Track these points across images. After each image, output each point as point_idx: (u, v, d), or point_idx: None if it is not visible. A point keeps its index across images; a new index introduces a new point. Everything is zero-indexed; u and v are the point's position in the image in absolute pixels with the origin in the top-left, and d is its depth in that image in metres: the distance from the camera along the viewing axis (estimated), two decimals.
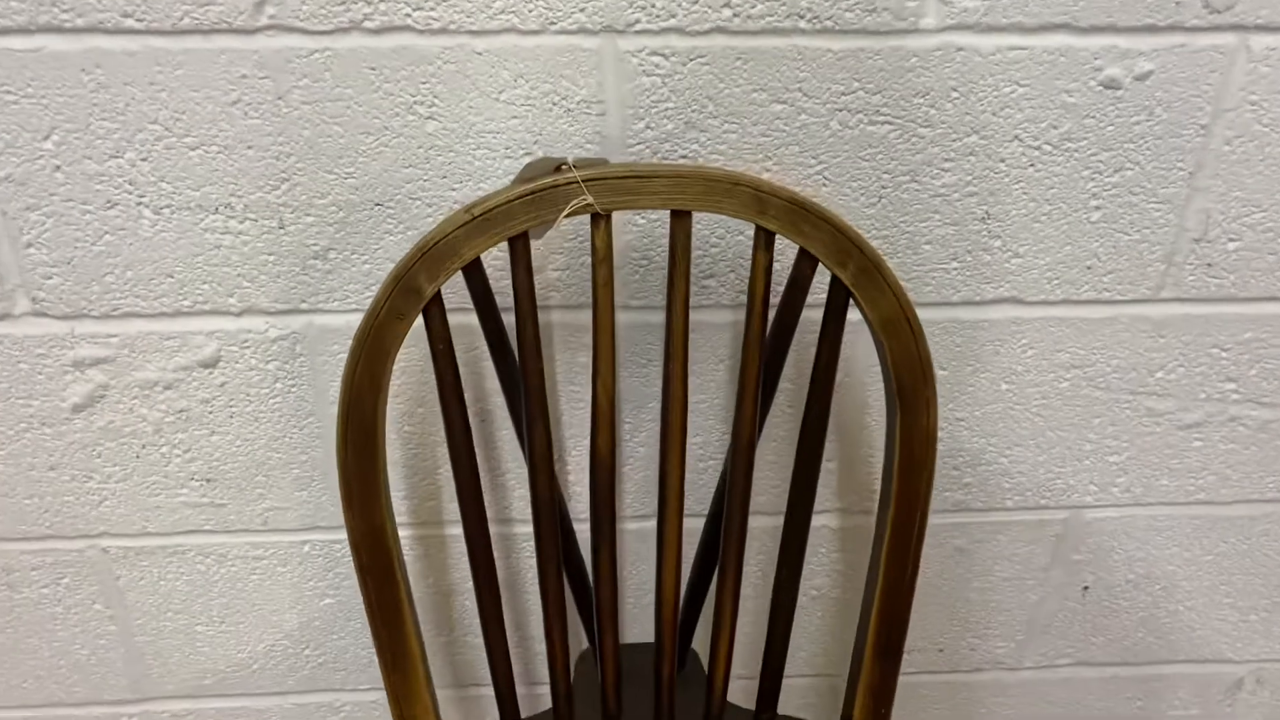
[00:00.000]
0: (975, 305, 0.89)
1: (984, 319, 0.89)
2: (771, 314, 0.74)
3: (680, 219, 0.66)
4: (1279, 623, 1.12)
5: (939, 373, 0.92)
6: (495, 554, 1.00)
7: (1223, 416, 0.96)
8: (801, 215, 0.66)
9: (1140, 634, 1.12)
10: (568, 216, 0.62)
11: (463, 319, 0.85)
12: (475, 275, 0.69)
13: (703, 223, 0.83)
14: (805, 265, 0.69)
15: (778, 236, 0.67)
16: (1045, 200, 0.84)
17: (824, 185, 0.82)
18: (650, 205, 0.64)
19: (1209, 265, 0.87)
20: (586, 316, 0.87)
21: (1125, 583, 1.07)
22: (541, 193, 0.63)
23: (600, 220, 0.65)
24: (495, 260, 0.83)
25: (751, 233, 0.84)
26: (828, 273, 0.69)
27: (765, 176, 0.81)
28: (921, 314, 0.89)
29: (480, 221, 0.64)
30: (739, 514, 0.75)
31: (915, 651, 1.11)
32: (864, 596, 0.77)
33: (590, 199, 0.62)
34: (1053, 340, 0.91)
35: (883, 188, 0.82)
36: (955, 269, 0.87)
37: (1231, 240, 0.86)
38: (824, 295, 0.72)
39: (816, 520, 1.01)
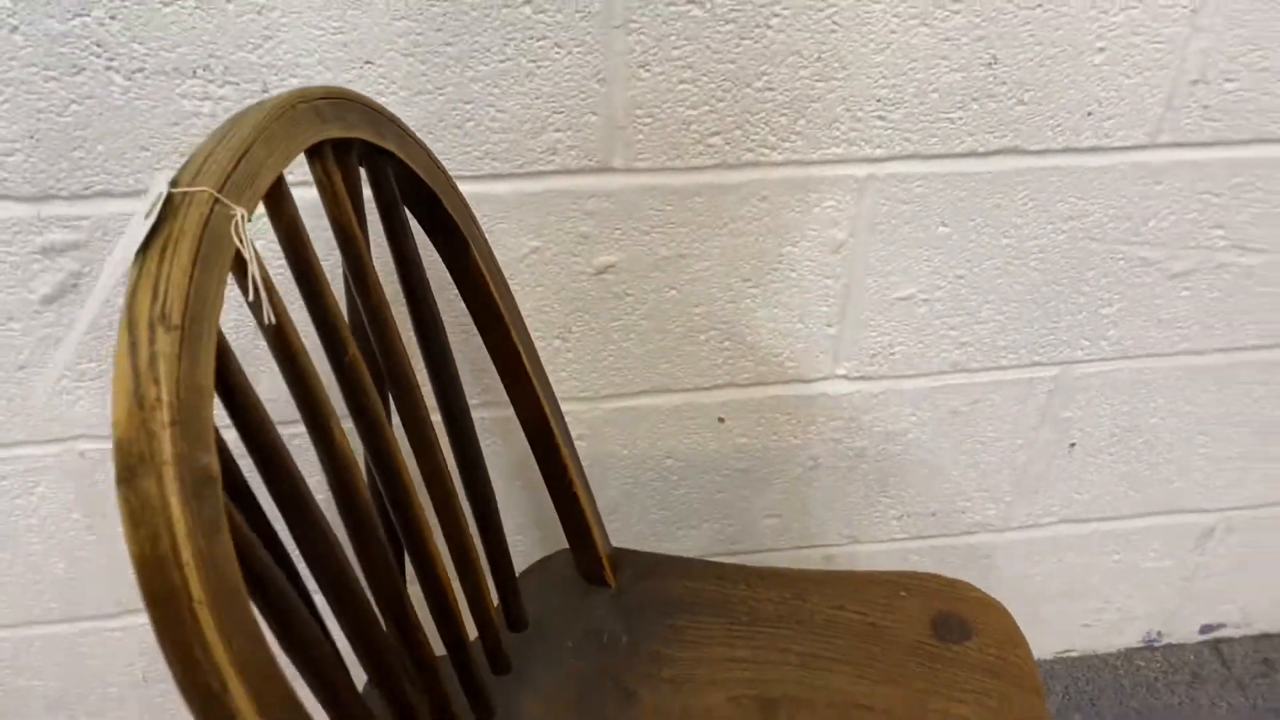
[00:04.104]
0: (979, 157, 0.88)
1: (988, 170, 0.89)
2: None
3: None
4: (1251, 471, 1.16)
5: (941, 229, 0.91)
6: None
7: (1210, 264, 0.97)
8: (375, 118, 0.61)
9: (1122, 489, 1.15)
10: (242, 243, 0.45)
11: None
12: None
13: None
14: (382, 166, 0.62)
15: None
16: (1051, 43, 0.83)
17: (834, 31, 0.79)
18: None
19: (1205, 108, 0.88)
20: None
21: (1110, 438, 1.10)
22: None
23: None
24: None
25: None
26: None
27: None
28: (926, 167, 0.87)
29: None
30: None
31: (908, 517, 1.12)
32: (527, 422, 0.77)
33: (238, 209, 0.45)
34: (1053, 191, 0.91)
35: (890, 32, 0.80)
36: (960, 118, 0.85)
37: (1229, 81, 0.86)
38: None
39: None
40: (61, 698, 1.08)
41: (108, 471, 0.93)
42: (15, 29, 0.71)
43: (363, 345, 0.63)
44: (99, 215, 0.80)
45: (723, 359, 0.96)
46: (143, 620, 1.04)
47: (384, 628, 0.58)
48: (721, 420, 1.00)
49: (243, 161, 0.46)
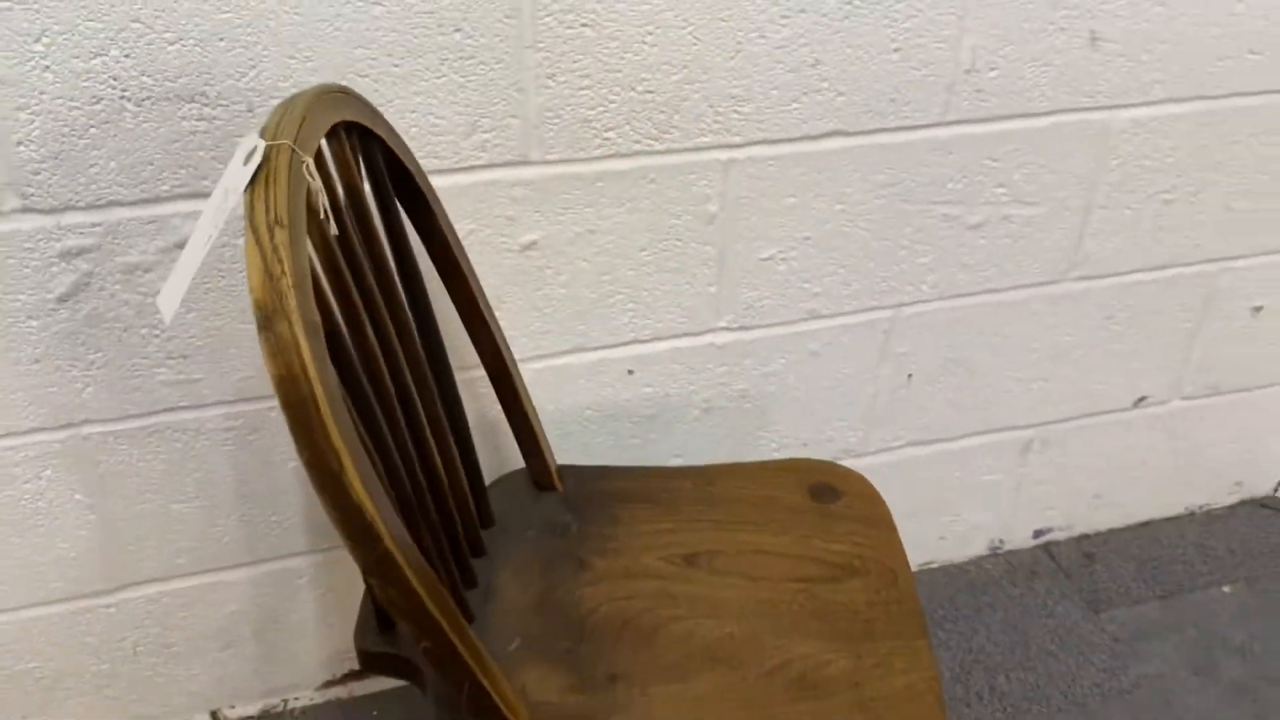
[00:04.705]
0: (812, 139, 1.13)
1: (820, 150, 1.13)
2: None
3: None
4: (1051, 390, 1.43)
5: (789, 200, 1.16)
6: None
7: (998, 216, 1.24)
8: (369, 110, 0.82)
9: (953, 412, 1.40)
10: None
11: None
12: None
13: None
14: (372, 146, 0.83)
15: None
16: (858, 45, 1.08)
17: (695, 44, 1.03)
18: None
19: (978, 91, 1.15)
20: None
21: (939, 369, 1.35)
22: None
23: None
24: None
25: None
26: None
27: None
28: (773, 150, 1.12)
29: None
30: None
31: (785, 448, 1.35)
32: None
33: (307, 157, 0.64)
34: (871, 164, 1.16)
35: (737, 43, 1.04)
36: (796, 109, 1.10)
37: (992, 70, 1.14)
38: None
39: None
40: (59, 678, 1.21)
41: (110, 452, 1.08)
42: (47, 68, 0.89)
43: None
44: (110, 222, 0.96)
45: (628, 319, 1.18)
46: (137, 594, 1.18)
47: (411, 491, 0.77)
48: (630, 373, 1.22)
49: (303, 126, 0.66)
